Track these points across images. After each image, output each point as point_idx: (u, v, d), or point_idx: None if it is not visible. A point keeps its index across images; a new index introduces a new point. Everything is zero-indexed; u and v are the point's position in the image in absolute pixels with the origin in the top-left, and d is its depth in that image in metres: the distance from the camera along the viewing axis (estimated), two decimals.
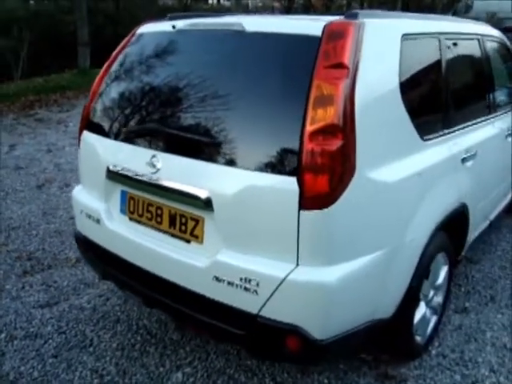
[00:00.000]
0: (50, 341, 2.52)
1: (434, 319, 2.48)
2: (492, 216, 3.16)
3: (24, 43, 10.90)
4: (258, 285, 1.66)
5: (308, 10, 22.18)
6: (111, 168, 2.08)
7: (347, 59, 1.62)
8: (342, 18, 1.78)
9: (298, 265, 1.63)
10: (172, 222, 1.92)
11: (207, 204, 1.75)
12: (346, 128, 1.57)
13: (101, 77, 2.27)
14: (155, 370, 2.33)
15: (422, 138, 2.00)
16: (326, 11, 19.86)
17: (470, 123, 2.49)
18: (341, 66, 1.61)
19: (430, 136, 2.08)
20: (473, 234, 2.74)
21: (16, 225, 3.90)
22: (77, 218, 2.38)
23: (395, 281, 1.89)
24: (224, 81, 1.86)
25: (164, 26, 2.15)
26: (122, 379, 2.26)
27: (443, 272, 2.43)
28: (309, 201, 1.56)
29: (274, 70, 1.75)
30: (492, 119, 2.82)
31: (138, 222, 2.06)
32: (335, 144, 1.55)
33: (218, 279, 1.75)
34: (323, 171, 1.54)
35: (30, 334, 2.57)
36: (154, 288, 2.01)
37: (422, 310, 2.28)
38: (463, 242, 2.59)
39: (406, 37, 1.95)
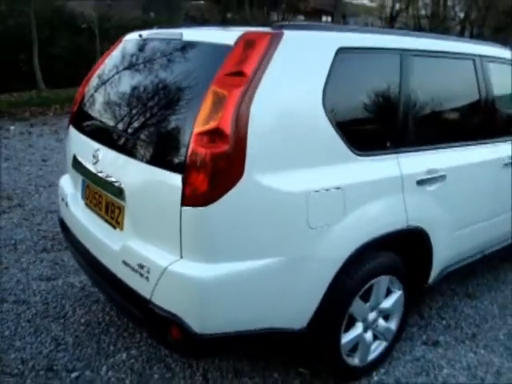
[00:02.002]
0: (32, 308, 2.85)
1: (381, 345, 2.39)
2: (489, 250, 2.93)
3: None
4: (148, 272, 1.79)
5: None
6: (75, 157, 2.36)
7: (249, 68, 1.69)
8: (267, 28, 1.86)
9: (181, 257, 1.73)
10: (107, 209, 2.12)
11: (122, 194, 1.93)
12: (234, 133, 1.64)
13: (87, 78, 2.57)
14: (106, 347, 2.54)
15: (354, 152, 1.97)
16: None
17: (438, 146, 2.36)
18: (240, 74, 1.69)
19: (369, 152, 2.04)
20: (444, 264, 2.57)
21: (54, 209, 4.39)
22: (59, 202, 2.70)
23: (301, 292, 1.89)
24: (155, 83, 2.03)
25: (142, 34, 2.39)
26: (73, 349, 2.50)
27: (394, 297, 2.34)
28: (188, 198, 1.66)
29: (191, 74, 1.89)
30: (482, 145, 2.63)
31: (90, 207, 2.30)
32: (219, 147, 1.63)
33: (125, 263, 1.91)
34: (203, 171, 1.63)
35: (19, 300, 2.93)
36: (95, 269, 2.22)
37: (357, 331, 2.21)
38: (428, 270, 2.45)
39: (344, 50, 1.96)
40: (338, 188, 1.89)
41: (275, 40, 1.76)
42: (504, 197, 2.85)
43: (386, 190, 2.08)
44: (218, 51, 1.80)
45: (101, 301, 2.96)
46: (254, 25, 2.01)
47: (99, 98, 2.35)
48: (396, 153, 2.14)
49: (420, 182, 2.22)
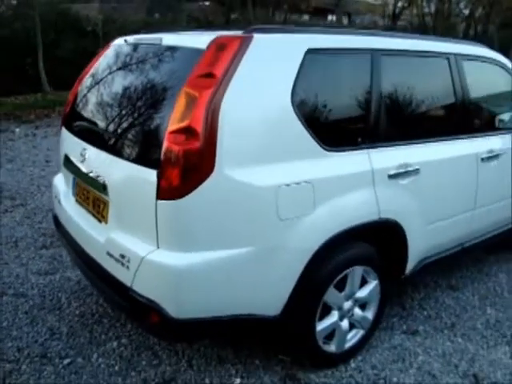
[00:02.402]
0: (30, 301, 2.99)
1: (358, 333, 2.49)
2: (469, 243, 3.02)
3: None
4: (129, 261, 1.92)
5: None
6: (66, 156, 2.49)
7: (219, 70, 1.81)
8: (239, 32, 1.98)
9: (158, 247, 1.86)
10: (93, 204, 2.26)
11: (105, 189, 2.06)
12: (205, 131, 1.76)
13: (79, 80, 2.71)
14: (98, 336, 2.67)
15: (324, 148, 2.08)
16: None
17: (411, 141, 2.46)
18: (211, 75, 1.81)
19: (339, 148, 2.15)
20: (421, 256, 2.67)
21: None
22: (53, 200, 2.83)
23: (273, 280, 2.00)
24: (135, 85, 2.15)
25: (126, 39, 2.52)
26: (67, 338, 2.64)
27: (369, 287, 2.44)
28: (162, 192, 1.78)
29: (168, 76, 2.02)
30: (457, 140, 2.72)
31: (79, 203, 2.44)
32: (190, 144, 1.75)
33: (109, 254, 2.04)
34: (176, 166, 1.75)
35: (18, 293, 3.07)
36: (84, 261, 2.35)
37: (332, 319, 2.32)
38: (403, 261, 2.55)
39: (313, 51, 2.07)
40: (307, 182, 2.00)
41: (245, 43, 1.88)
42: (484, 191, 2.93)
43: (356, 183, 2.18)
44: (192, 54, 1.93)
45: (95, 293, 3.09)
46: (233, 28, 2.12)
47: (87, 100, 2.49)
48: (367, 148, 2.25)
49: (392, 176, 2.32)
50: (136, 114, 2.05)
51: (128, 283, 1.95)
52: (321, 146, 2.06)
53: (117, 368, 2.43)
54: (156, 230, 1.83)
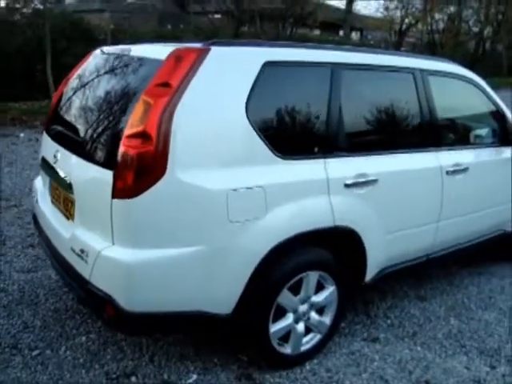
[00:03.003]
0: (10, 296, 3.13)
1: (315, 337, 2.58)
2: (436, 254, 3.10)
3: None
4: (87, 256, 2.04)
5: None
6: (43, 159, 2.64)
7: (175, 80, 1.95)
8: (199, 45, 2.11)
9: (113, 243, 1.98)
10: (64, 203, 2.39)
11: (71, 188, 2.20)
12: (159, 136, 1.88)
13: (62, 84, 2.87)
14: (69, 331, 2.79)
15: (278, 156, 2.20)
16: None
17: (370, 153, 2.56)
18: (166, 85, 1.94)
19: (294, 156, 2.26)
20: (383, 265, 2.75)
21: None
22: (33, 200, 2.98)
23: (223, 279, 2.10)
24: (103, 93, 2.31)
25: (102, 49, 2.68)
26: (39, 331, 2.76)
27: (326, 292, 2.53)
28: (117, 191, 1.91)
29: (131, 85, 2.16)
30: (420, 153, 2.81)
31: (53, 203, 2.57)
32: (144, 148, 1.88)
33: (72, 249, 2.17)
34: (130, 168, 1.88)
35: None
36: (54, 256, 2.48)
37: (287, 321, 2.41)
38: (363, 269, 2.63)
39: (271, 64, 2.19)
40: (259, 187, 2.11)
41: (201, 55, 2.02)
42: (451, 203, 3.02)
43: (310, 190, 2.29)
44: (153, 65, 2.07)
45: None
46: (197, 41, 2.26)
47: (63, 105, 2.65)
48: (323, 158, 2.35)
49: (348, 185, 2.42)
50: (100, 119, 2.19)
51: (87, 277, 2.07)
52: (275, 154, 2.18)
53: (82, 361, 2.54)
54: (111, 227, 1.96)
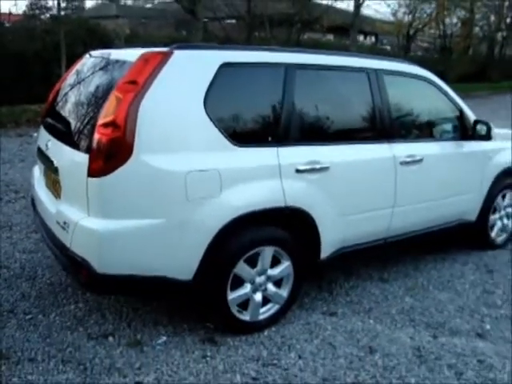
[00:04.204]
0: (11, 271, 3.53)
1: (273, 307, 2.90)
2: (392, 238, 3.38)
3: None
4: (68, 226, 2.41)
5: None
6: (39, 148, 3.03)
7: (141, 78, 2.31)
8: (165, 48, 2.47)
9: (89, 215, 2.34)
10: (53, 184, 2.77)
11: (57, 171, 2.57)
12: (126, 125, 2.24)
13: (57, 85, 3.26)
14: (60, 300, 3.17)
15: (234, 144, 2.53)
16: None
17: (323, 142, 2.88)
18: (134, 82, 2.31)
19: (248, 144, 2.59)
20: (338, 245, 3.05)
21: None
22: (31, 184, 3.38)
23: (182, 248, 2.44)
24: (85, 90, 2.70)
25: (91, 53, 3.06)
26: (34, 300, 3.14)
27: (282, 266, 2.84)
28: (91, 171, 2.28)
29: (108, 83, 2.53)
30: (373, 144, 3.12)
31: (47, 186, 2.96)
32: (113, 134, 2.24)
33: (57, 222, 2.54)
34: (101, 151, 2.25)
35: (2, 265, 3.61)
36: (46, 231, 2.85)
37: (245, 290, 2.74)
38: (317, 247, 2.94)
39: (227, 65, 2.54)
40: (214, 170, 2.45)
41: (165, 58, 2.38)
42: (406, 191, 3.31)
43: (262, 174, 2.62)
44: (125, 66, 2.44)
45: None
46: (168, 45, 2.59)
47: (56, 101, 3.05)
48: (276, 146, 2.68)
49: (300, 171, 2.74)
50: (81, 111, 2.59)
51: (68, 244, 2.44)
52: (230, 142, 2.52)
53: (68, 324, 2.91)
54: (87, 201, 2.32)
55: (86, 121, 2.50)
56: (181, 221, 2.41)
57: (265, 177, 2.63)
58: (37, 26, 13.62)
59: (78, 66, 3.13)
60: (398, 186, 3.25)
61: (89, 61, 2.97)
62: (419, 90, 3.51)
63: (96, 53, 2.94)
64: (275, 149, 2.68)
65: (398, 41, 20.55)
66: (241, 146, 2.56)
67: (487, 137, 3.69)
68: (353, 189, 3.02)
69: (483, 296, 3.49)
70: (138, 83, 2.30)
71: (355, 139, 3.07)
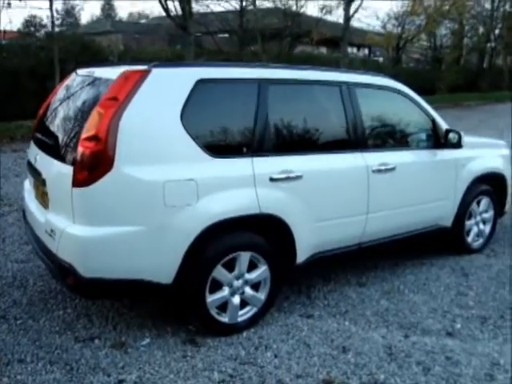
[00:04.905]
0: (3, 280, 3.68)
1: (251, 310, 3.05)
2: (366, 244, 3.54)
3: None
4: (55, 234, 2.57)
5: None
6: (29, 162, 3.21)
7: (121, 95, 2.49)
8: (144, 66, 2.66)
9: (74, 223, 2.50)
10: (42, 196, 2.93)
11: (45, 183, 2.74)
12: (107, 138, 2.42)
13: (47, 102, 3.44)
14: (50, 306, 3.32)
15: (210, 155, 2.71)
16: None
17: (296, 153, 3.05)
18: (114, 99, 2.49)
19: (224, 155, 2.77)
20: (313, 250, 3.21)
21: None
22: (22, 197, 3.54)
23: (162, 253, 2.60)
24: (71, 106, 2.88)
25: (77, 71, 3.25)
26: (25, 306, 3.29)
27: (259, 271, 3.00)
28: (75, 181, 2.45)
29: (91, 99, 2.71)
30: (346, 154, 3.30)
31: (36, 198, 3.12)
32: (95, 148, 2.42)
33: (46, 231, 2.70)
34: (84, 164, 2.43)
35: None
36: (35, 240, 3.01)
37: (223, 294, 2.89)
38: (292, 252, 3.10)
39: (203, 81, 2.73)
40: (191, 179, 2.62)
41: (144, 75, 2.57)
42: (379, 198, 3.47)
43: (237, 183, 2.79)
44: (107, 83, 2.62)
45: None
46: (148, 63, 2.77)
47: (45, 117, 3.23)
48: (250, 156, 2.86)
49: (274, 180, 2.91)
50: (66, 126, 2.77)
51: (55, 251, 2.60)
52: (207, 153, 2.70)
53: (57, 328, 3.05)
54: (72, 210, 2.49)
55: (71, 135, 2.68)
56: (160, 227, 2.57)
57: (240, 185, 2.80)
58: (32, 43, 13.86)
59: (65, 83, 3.32)
60: (371, 193, 3.42)
61: (76, 78, 3.15)
62: (392, 101, 3.71)
63: (82, 71, 3.13)
64: (250, 159, 2.86)
65: (388, 53, 20.92)
66: (217, 157, 2.74)
67: (458, 145, 3.88)
68: (326, 196, 3.19)
69: (457, 298, 3.64)
70: (119, 99, 2.48)
71: (328, 149, 3.25)
